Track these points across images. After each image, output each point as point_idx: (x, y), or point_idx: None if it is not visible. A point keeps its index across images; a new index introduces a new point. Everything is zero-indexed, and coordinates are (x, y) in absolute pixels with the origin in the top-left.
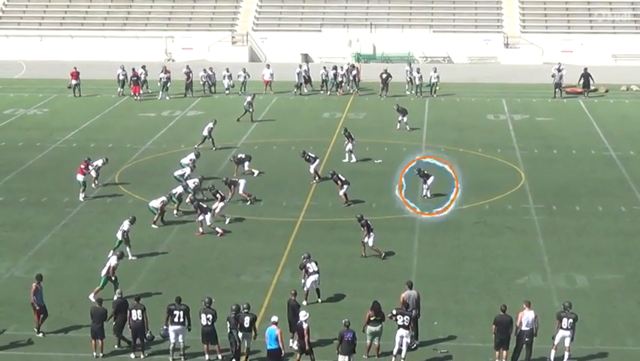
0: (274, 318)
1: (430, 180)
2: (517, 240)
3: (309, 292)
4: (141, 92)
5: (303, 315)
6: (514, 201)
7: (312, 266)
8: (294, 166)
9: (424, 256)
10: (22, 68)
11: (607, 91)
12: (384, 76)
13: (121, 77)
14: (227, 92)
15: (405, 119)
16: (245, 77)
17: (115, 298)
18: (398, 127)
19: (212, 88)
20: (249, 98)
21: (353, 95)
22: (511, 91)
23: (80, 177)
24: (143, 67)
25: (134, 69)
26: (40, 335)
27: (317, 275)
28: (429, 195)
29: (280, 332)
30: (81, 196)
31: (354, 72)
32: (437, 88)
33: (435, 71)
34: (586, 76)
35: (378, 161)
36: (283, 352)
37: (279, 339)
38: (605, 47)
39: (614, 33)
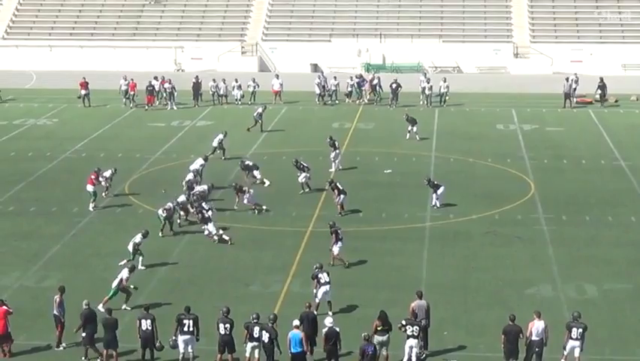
0: (296, 322)
1: (440, 190)
2: (527, 250)
3: (320, 303)
4: (156, 102)
5: (329, 321)
6: (524, 211)
7: (323, 277)
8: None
9: (433, 266)
10: (32, 78)
11: (617, 101)
12: (393, 86)
13: (123, 88)
14: (238, 102)
15: (414, 128)
16: (254, 87)
17: (83, 308)
18: (408, 137)
19: (222, 99)
20: (259, 110)
21: (372, 102)
22: (521, 101)
23: (89, 188)
24: (156, 77)
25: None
26: (61, 348)
27: (328, 286)
28: (438, 205)
29: (304, 336)
30: (91, 206)
31: (375, 81)
32: (447, 98)
33: (444, 81)
34: (602, 87)
35: (388, 171)
36: (307, 355)
37: (304, 342)
38: (614, 56)
39: (623, 43)
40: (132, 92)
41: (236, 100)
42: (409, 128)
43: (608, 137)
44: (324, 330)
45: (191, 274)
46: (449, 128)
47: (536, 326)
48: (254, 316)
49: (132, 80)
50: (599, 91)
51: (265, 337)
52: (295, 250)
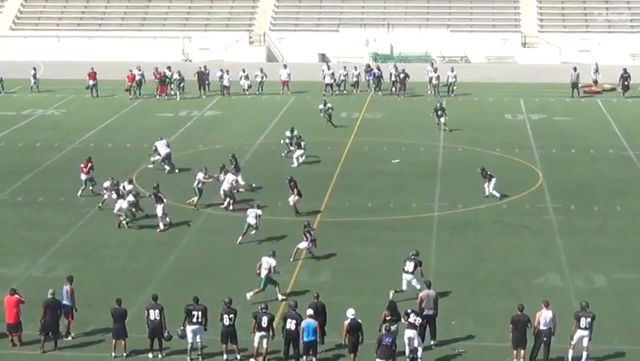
0: (309, 311)
1: (493, 181)
2: (535, 239)
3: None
4: (170, 92)
5: (351, 313)
6: (532, 201)
7: (311, 235)
8: (312, 166)
9: (442, 255)
10: (40, 68)
11: (614, 89)
12: (401, 76)
13: (137, 78)
14: (246, 92)
15: (442, 120)
16: (262, 77)
17: (48, 296)
18: (439, 128)
19: (225, 90)
20: (321, 106)
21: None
22: (529, 90)
23: (82, 176)
24: (169, 67)
25: (162, 68)
26: (70, 338)
27: (311, 243)
28: (497, 195)
29: (318, 324)
30: (79, 193)
31: (397, 72)
32: (454, 88)
33: (452, 71)
34: (625, 77)
35: (396, 161)
36: (319, 344)
37: (317, 331)
38: (623, 46)
39: (632, 32)
40: (135, 83)
41: (243, 90)
42: (438, 120)
43: (617, 126)
44: (346, 322)
45: (200, 264)
46: (457, 118)
47: (544, 316)
48: (262, 306)
49: (138, 69)
50: (621, 80)
51: (292, 325)
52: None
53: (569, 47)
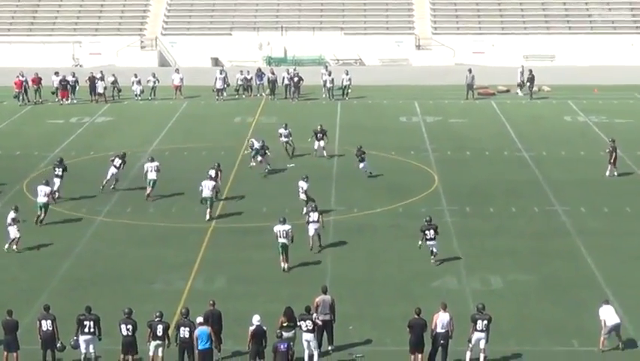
0: (200, 319)
1: (363, 164)
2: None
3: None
4: (72, 98)
5: (257, 319)
6: (428, 204)
7: (313, 216)
8: (206, 172)
9: (338, 260)
10: None
11: (517, 92)
12: (295, 79)
13: (55, 85)
14: (138, 98)
15: (322, 143)
16: (154, 83)
17: None
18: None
19: (118, 94)
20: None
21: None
22: (424, 93)
23: None
24: (56, 73)
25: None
26: None
27: (317, 224)
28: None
29: (214, 332)
30: None
31: (291, 76)
32: (349, 91)
33: (347, 74)
34: (531, 79)
35: (291, 165)
36: (215, 351)
37: (212, 338)
38: (516, 47)
39: (525, 34)
40: (23, 90)
41: (135, 95)
42: (317, 144)
43: (511, 128)
44: (251, 328)
45: (93, 272)
46: (352, 122)
47: (441, 319)
48: (157, 314)
49: (21, 75)
50: (528, 83)
51: (185, 332)
52: (198, 246)
53: (463, 48)
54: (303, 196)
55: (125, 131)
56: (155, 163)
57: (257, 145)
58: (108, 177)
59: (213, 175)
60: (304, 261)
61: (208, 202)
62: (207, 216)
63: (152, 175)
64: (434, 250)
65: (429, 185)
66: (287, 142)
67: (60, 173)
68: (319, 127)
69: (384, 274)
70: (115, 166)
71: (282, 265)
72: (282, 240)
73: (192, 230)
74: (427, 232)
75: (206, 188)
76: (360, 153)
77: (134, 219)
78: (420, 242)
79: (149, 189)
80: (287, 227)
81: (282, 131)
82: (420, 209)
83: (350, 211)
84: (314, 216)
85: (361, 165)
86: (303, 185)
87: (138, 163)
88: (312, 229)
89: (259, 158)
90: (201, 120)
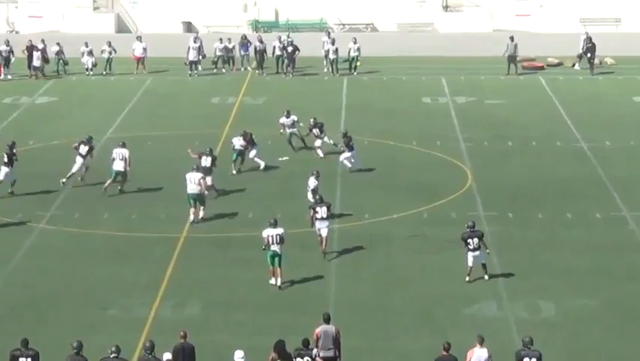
0: (167, 355)
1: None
2: (464, 259)
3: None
4: (5, 72)
5: (240, 356)
6: (459, 208)
7: (321, 211)
8: (176, 167)
9: (344, 280)
10: None
11: (574, 65)
12: (289, 49)
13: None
14: (89, 72)
15: (318, 143)
16: (110, 53)
17: None
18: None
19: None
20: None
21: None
22: (453, 66)
23: None
24: (7, 42)
25: None
26: None
27: (327, 222)
28: (347, 164)
29: None
30: None
31: (284, 45)
32: (358, 64)
33: (354, 42)
34: (591, 48)
35: (284, 158)
36: None
37: None
38: (571, 8)
39: None
40: None
41: (86, 70)
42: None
43: (565, 112)
44: None
45: (31, 295)
46: (362, 103)
47: (478, 355)
48: (112, 349)
49: None
50: (588, 54)
51: None
52: (165, 262)
53: (503, 10)
54: (310, 196)
55: (73, 115)
56: (125, 151)
57: (238, 145)
58: (74, 170)
59: (209, 164)
60: (301, 278)
61: (197, 201)
62: (191, 217)
63: (117, 165)
64: (482, 260)
65: (460, 184)
66: (292, 134)
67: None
68: (312, 120)
69: (403, 298)
70: (81, 155)
71: (273, 280)
72: (273, 247)
73: (158, 241)
74: (469, 240)
75: (192, 182)
76: (348, 140)
77: (84, 227)
78: (467, 256)
79: (108, 181)
80: (279, 231)
81: (284, 121)
82: (449, 214)
83: (360, 218)
84: (322, 211)
85: (345, 155)
86: (312, 183)
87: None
88: (322, 228)
89: (252, 158)
90: (170, 101)
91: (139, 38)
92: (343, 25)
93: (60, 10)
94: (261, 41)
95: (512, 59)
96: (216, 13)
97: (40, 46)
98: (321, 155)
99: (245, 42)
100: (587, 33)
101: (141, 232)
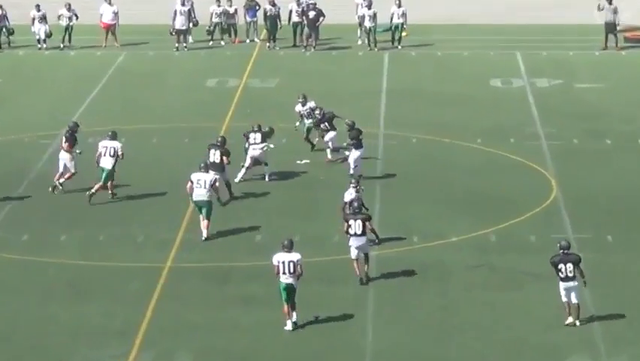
0: None
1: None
2: (547, 295)
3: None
4: None
5: None
6: (540, 229)
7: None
8: (158, 171)
9: (384, 324)
10: None
11: None
12: (311, 14)
13: None
14: (42, 45)
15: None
16: (70, 20)
17: None
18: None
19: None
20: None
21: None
22: (532, 38)
23: None
24: None
25: None
26: None
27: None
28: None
29: None
30: None
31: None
32: (403, 34)
33: (399, 6)
34: None
35: (304, 161)
36: None
37: None
38: None
39: None
40: None
41: (39, 41)
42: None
43: None
44: None
45: None
46: (408, 87)
47: None
48: None
49: None
50: None
51: None
52: (144, 300)
53: None
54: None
55: (21, 100)
56: (117, 144)
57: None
58: (61, 169)
59: (217, 159)
60: (326, 321)
61: (204, 210)
62: (204, 232)
63: (106, 162)
64: (573, 299)
65: (541, 196)
66: (310, 128)
67: None
68: (318, 110)
69: (465, 349)
70: (64, 149)
71: (287, 321)
72: (285, 279)
73: (136, 272)
74: (561, 266)
75: (201, 186)
76: (356, 133)
77: (36, 254)
78: (560, 287)
79: (96, 186)
80: (295, 257)
81: (300, 109)
82: (526, 237)
83: (407, 241)
84: (356, 226)
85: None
86: (348, 196)
87: (44, 156)
88: (355, 248)
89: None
90: (150, 84)
91: (108, 0)
92: None
93: None
94: (273, 4)
95: (611, 27)
96: None
97: None
98: (329, 157)
99: (252, 5)
100: None
101: (111, 261)
